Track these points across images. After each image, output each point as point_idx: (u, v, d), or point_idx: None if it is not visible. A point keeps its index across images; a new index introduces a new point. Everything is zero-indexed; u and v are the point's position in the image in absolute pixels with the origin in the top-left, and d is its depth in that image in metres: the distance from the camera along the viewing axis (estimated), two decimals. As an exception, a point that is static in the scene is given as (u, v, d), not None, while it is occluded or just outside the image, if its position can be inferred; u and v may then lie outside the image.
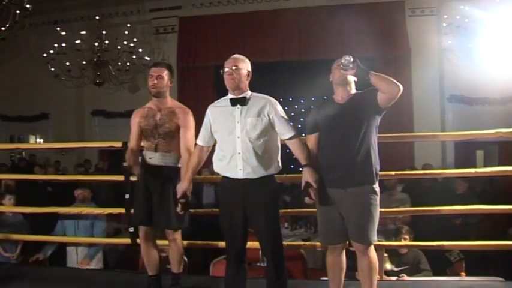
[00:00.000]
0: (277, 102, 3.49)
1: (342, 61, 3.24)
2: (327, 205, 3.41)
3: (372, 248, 3.39)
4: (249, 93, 3.47)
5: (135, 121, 3.99)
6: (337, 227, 3.41)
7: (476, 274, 4.72)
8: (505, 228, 5.88)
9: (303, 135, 3.58)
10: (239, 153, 3.37)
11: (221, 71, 3.47)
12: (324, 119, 3.45)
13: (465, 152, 10.17)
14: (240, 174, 3.38)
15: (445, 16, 9.29)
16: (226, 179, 3.48)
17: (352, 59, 3.21)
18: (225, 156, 3.43)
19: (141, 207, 3.89)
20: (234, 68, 3.39)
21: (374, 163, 3.36)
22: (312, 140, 3.51)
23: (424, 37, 10.07)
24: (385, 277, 4.33)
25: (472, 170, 4.53)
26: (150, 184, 3.89)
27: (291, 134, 3.43)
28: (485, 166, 8.90)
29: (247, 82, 3.48)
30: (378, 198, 3.35)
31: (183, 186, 3.64)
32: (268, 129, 3.40)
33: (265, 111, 3.39)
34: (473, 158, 10.12)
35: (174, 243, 3.98)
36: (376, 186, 3.36)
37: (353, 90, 3.44)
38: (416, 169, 8.10)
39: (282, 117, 3.41)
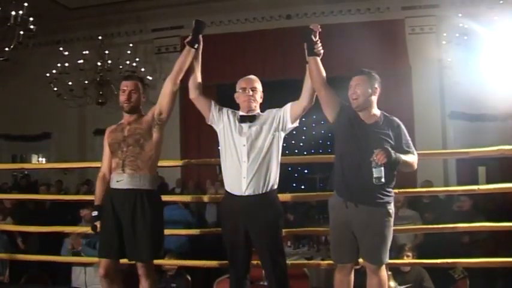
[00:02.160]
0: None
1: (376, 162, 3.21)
2: (340, 224, 3.43)
3: (383, 268, 3.42)
4: (258, 111, 3.61)
5: (106, 139, 3.72)
6: (348, 246, 3.42)
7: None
8: (509, 245, 5.86)
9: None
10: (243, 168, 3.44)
11: (240, 89, 3.62)
12: (348, 132, 3.44)
13: (467, 169, 10.15)
14: (243, 191, 3.42)
15: (444, 34, 9.37)
16: (229, 195, 3.53)
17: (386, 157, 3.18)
18: (230, 173, 3.52)
19: (108, 239, 3.50)
20: (253, 88, 3.58)
21: (389, 184, 3.36)
22: (334, 94, 3.54)
23: (424, 54, 10.15)
24: (389, 295, 4.32)
25: (475, 187, 4.54)
26: (119, 211, 3.50)
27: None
28: (487, 183, 8.88)
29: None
30: (392, 219, 3.38)
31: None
32: (274, 146, 3.51)
33: (273, 124, 3.53)
34: (475, 174, 10.10)
35: (145, 279, 3.53)
36: (391, 208, 3.38)
37: (376, 110, 3.46)
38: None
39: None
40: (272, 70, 10.63)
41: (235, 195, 3.47)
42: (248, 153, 3.46)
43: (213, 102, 3.74)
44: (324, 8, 10.79)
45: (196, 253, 5.69)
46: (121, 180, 3.50)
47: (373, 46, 9.67)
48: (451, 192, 6.17)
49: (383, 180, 3.20)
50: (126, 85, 3.64)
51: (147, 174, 3.54)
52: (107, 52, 10.68)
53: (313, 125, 12.53)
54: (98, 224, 3.61)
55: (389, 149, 3.22)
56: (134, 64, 10.62)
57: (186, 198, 6.06)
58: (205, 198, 5.81)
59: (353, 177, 3.36)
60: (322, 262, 4.94)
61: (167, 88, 3.69)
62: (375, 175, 3.20)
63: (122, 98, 3.62)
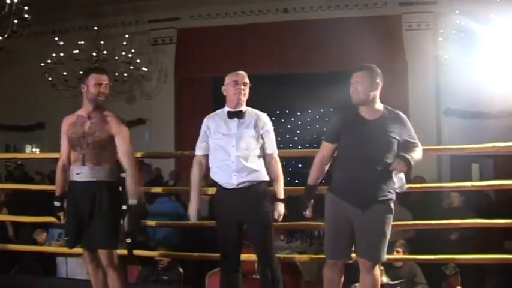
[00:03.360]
0: (268, 118, 3.75)
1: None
2: (339, 219, 3.40)
3: (378, 266, 3.42)
4: (245, 107, 3.67)
5: (64, 129, 3.75)
6: (345, 242, 3.40)
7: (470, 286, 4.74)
8: (500, 242, 5.88)
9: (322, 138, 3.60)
10: (233, 161, 3.53)
11: (230, 83, 3.64)
12: (350, 133, 3.40)
13: (460, 166, 10.17)
14: (234, 183, 3.53)
15: (441, 30, 9.36)
16: (221, 188, 3.62)
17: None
18: (220, 166, 3.58)
19: (73, 229, 3.60)
20: (244, 83, 3.64)
21: (393, 182, 3.36)
22: (328, 148, 3.50)
23: (420, 51, 10.14)
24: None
25: (469, 184, 4.55)
26: (79, 203, 3.58)
27: (274, 150, 3.70)
28: (480, 180, 8.91)
29: None
30: (392, 217, 3.38)
31: (193, 209, 3.69)
32: (259, 141, 3.63)
33: (259, 124, 3.63)
34: (469, 171, 10.12)
35: (111, 270, 3.61)
36: (392, 205, 3.38)
37: (378, 105, 3.43)
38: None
39: (270, 132, 3.69)
40: (268, 64, 10.61)
41: (228, 188, 3.57)
42: (237, 148, 3.57)
43: (204, 147, 3.76)
44: (321, 2, 10.76)
45: (188, 246, 5.67)
46: (81, 173, 3.57)
47: (370, 42, 9.65)
48: (445, 188, 6.18)
49: (405, 187, 3.37)
50: (103, 79, 3.63)
51: (106, 166, 3.61)
52: (102, 43, 10.61)
53: (308, 119, 12.54)
54: (61, 214, 3.70)
55: (407, 155, 3.22)
56: (130, 55, 10.56)
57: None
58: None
59: (357, 177, 3.33)
60: (314, 256, 4.94)
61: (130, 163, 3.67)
62: (397, 184, 3.32)
63: (100, 91, 3.59)
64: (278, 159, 3.71)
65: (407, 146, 3.35)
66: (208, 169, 3.74)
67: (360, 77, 3.38)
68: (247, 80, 3.68)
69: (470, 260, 4.43)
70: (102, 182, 3.58)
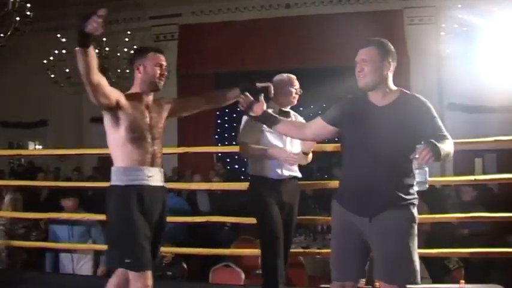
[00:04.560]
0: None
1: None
2: (345, 232, 2.80)
3: None
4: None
5: (124, 102, 2.99)
6: (356, 259, 2.77)
7: (478, 282, 4.73)
8: (504, 236, 5.89)
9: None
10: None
11: (293, 88, 3.78)
12: (355, 123, 2.78)
13: (464, 160, 10.17)
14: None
15: (443, 25, 9.34)
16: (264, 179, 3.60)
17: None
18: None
19: (147, 246, 2.90)
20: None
21: (413, 183, 2.67)
22: (319, 126, 2.97)
23: (422, 45, 10.13)
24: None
25: (472, 177, 4.57)
26: (153, 213, 3.01)
27: None
28: (483, 174, 8.91)
29: None
30: (416, 226, 2.69)
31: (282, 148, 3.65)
32: None
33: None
34: (472, 166, 10.13)
35: None
36: (415, 211, 2.72)
37: (392, 87, 2.82)
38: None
39: None
40: (270, 59, 10.61)
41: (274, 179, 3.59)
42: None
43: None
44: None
45: (192, 241, 5.70)
46: (152, 176, 2.99)
47: (372, 36, 9.61)
48: (449, 182, 6.20)
49: (427, 185, 2.57)
50: (162, 60, 3.13)
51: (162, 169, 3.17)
52: (104, 39, 10.61)
53: (311, 114, 12.54)
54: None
55: (435, 142, 2.47)
56: (132, 52, 10.55)
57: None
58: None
59: (363, 177, 2.71)
60: (318, 251, 4.96)
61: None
62: (417, 179, 2.56)
63: (158, 72, 3.09)
64: None
65: (432, 138, 2.56)
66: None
67: (367, 54, 2.78)
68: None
69: (472, 254, 4.45)
70: (164, 187, 3.16)
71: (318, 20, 10.50)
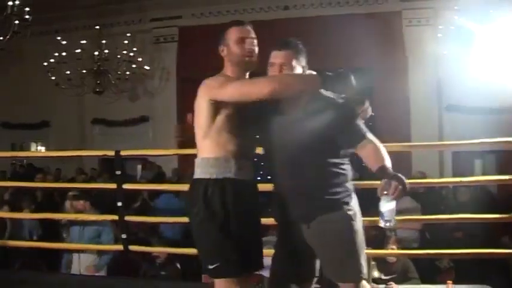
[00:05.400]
0: None
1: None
2: (288, 240, 2.77)
3: (364, 284, 2.70)
4: None
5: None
6: (302, 265, 2.73)
7: (470, 283, 4.77)
8: (498, 237, 5.92)
9: None
10: None
11: None
12: (270, 130, 2.70)
13: (463, 162, 10.19)
14: None
15: (440, 26, 9.36)
16: None
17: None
18: None
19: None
20: None
21: (345, 180, 2.67)
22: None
23: (421, 46, 10.11)
24: (373, 285, 4.38)
25: (458, 179, 4.62)
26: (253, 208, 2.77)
27: None
28: (483, 175, 8.93)
29: None
30: (355, 223, 2.65)
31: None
32: None
33: None
34: (472, 167, 10.14)
35: None
36: (350, 208, 2.66)
37: None
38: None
39: None
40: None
41: None
42: None
43: None
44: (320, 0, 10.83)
45: (188, 242, 5.75)
46: (244, 169, 2.67)
47: (370, 38, 9.68)
48: (449, 183, 6.31)
49: (393, 223, 2.45)
50: (249, 31, 2.81)
51: None
52: (104, 42, 10.72)
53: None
54: None
55: (399, 175, 2.43)
56: (132, 54, 10.66)
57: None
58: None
59: (294, 186, 2.64)
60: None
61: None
62: (386, 217, 2.44)
63: (247, 48, 2.74)
64: None
65: (352, 141, 2.61)
66: None
67: (286, 58, 2.67)
68: None
69: (463, 255, 4.50)
70: None
71: (317, 22, 10.53)
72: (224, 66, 2.82)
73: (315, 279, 2.80)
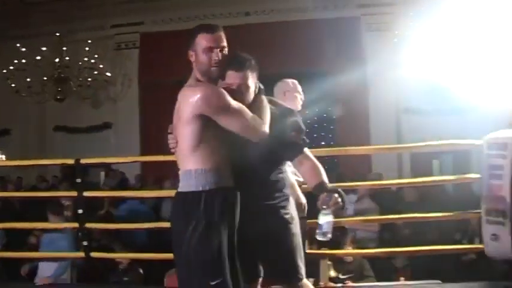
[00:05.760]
0: None
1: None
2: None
3: (305, 283, 2.81)
4: None
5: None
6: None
7: (425, 279, 4.95)
8: (452, 235, 6.12)
9: None
10: None
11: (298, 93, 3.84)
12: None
13: (421, 162, 10.43)
14: None
15: (397, 32, 9.60)
16: None
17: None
18: None
19: None
20: None
21: (283, 186, 2.80)
22: None
23: (380, 51, 10.32)
24: (330, 284, 4.51)
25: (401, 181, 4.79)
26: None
27: None
28: (441, 175, 9.18)
29: None
30: (292, 226, 2.77)
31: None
32: None
33: None
34: (430, 167, 10.40)
35: None
36: (287, 212, 2.78)
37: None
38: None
39: None
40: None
41: None
42: None
43: None
44: (282, 5, 10.98)
45: (153, 248, 5.78)
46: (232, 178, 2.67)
47: (330, 43, 9.89)
48: (403, 184, 6.54)
49: (330, 236, 2.60)
50: (219, 38, 2.74)
51: None
52: (64, 48, 10.65)
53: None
54: None
55: (340, 190, 2.65)
56: (93, 61, 10.61)
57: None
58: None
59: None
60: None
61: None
62: (324, 229, 2.56)
63: (212, 58, 2.66)
64: None
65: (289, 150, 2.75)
66: None
67: (243, 78, 2.70)
68: None
69: (417, 252, 4.68)
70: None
71: (278, 27, 10.68)
72: (193, 69, 2.74)
73: (260, 280, 2.85)
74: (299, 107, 3.85)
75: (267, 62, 10.50)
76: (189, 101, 2.53)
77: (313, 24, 10.36)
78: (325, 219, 2.54)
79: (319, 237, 2.60)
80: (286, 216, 2.76)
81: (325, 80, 9.07)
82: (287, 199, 2.81)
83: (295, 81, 3.93)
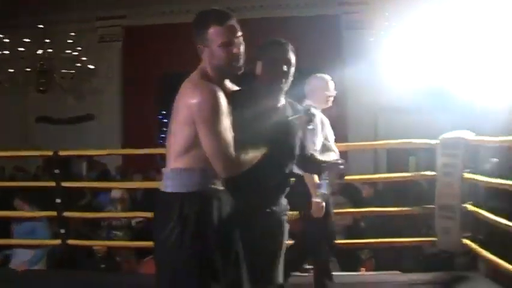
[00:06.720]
0: None
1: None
2: None
3: None
4: None
5: (227, 112, 2.36)
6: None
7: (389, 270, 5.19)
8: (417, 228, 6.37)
9: None
10: None
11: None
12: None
13: (398, 159, 10.64)
14: None
15: (373, 30, 9.81)
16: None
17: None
18: None
19: None
20: None
21: (284, 191, 2.73)
22: None
23: (358, 49, 10.50)
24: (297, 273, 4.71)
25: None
26: None
27: None
28: (417, 171, 9.38)
29: None
30: (285, 233, 2.73)
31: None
32: None
33: None
34: (406, 164, 10.62)
35: None
36: (285, 219, 2.74)
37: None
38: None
39: None
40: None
41: None
42: None
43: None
44: (262, 1, 11.24)
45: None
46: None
47: (309, 40, 10.04)
48: (378, 179, 6.83)
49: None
50: (235, 31, 2.45)
51: None
52: (47, 40, 10.71)
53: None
54: None
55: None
56: (76, 53, 10.70)
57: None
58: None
59: None
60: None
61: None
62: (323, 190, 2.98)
63: (233, 53, 2.42)
64: None
65: None
66: None
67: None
68: None
69: (380, 244, 4.94)
70: None
71: (257, 24, 10.81)
72: (202, 62, 2.46)
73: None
74: (329, 104, 4.02)
75: (249, 57, 10.86)
76: (187, 102, 2.29)
77: (292, 21, 10.55)
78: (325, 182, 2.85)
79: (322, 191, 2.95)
80: (284, 224, 2.70)
81: (303, 78, 9.22)
82: (287, 208, 2.74)
83: (326, 77, 4.02)
